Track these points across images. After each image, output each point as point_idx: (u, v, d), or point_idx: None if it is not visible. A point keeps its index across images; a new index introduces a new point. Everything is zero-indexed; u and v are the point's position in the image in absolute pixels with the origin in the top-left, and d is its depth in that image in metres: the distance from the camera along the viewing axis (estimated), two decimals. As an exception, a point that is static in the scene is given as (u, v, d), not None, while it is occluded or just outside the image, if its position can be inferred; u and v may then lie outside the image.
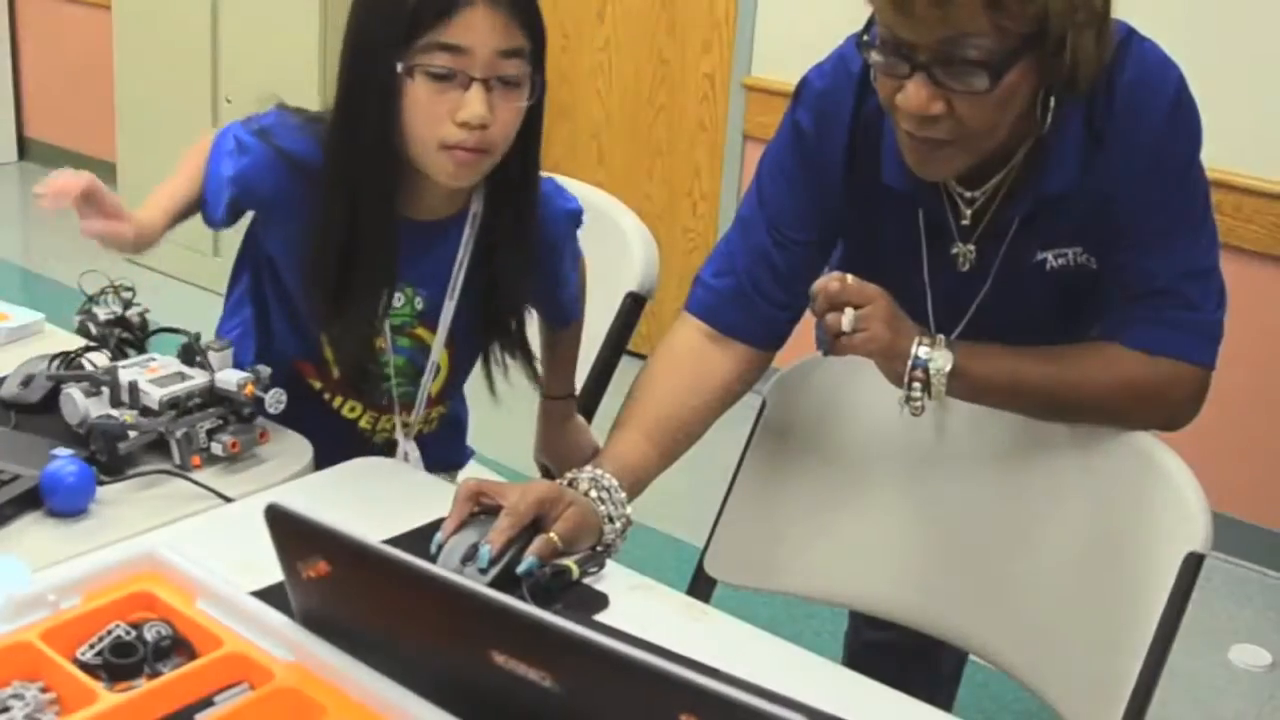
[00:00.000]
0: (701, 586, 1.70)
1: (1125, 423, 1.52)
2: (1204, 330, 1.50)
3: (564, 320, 1.85)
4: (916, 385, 1.48)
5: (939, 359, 1.47)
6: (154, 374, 1.64)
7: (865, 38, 1.40)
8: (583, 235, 1.81)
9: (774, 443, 1.72)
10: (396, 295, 1.64)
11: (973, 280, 1.58)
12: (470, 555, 1.37)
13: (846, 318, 1.46)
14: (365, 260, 1.56)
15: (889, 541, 1.69)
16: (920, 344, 1.48)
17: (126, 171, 4.82)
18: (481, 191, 1.62)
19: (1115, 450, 1.53)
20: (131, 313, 1.88)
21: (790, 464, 1.73)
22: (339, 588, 1.02)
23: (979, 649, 1.65)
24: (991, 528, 1.62)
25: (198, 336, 1.70)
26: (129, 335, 1.77)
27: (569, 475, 1.50)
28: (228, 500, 1.54)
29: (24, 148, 5.90)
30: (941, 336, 1.49)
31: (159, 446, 1.59)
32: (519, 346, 1.70)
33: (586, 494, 1.47)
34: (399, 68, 1.45)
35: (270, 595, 1.14)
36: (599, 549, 1.45)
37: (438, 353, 1.67)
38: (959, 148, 1.41)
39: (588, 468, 1.51)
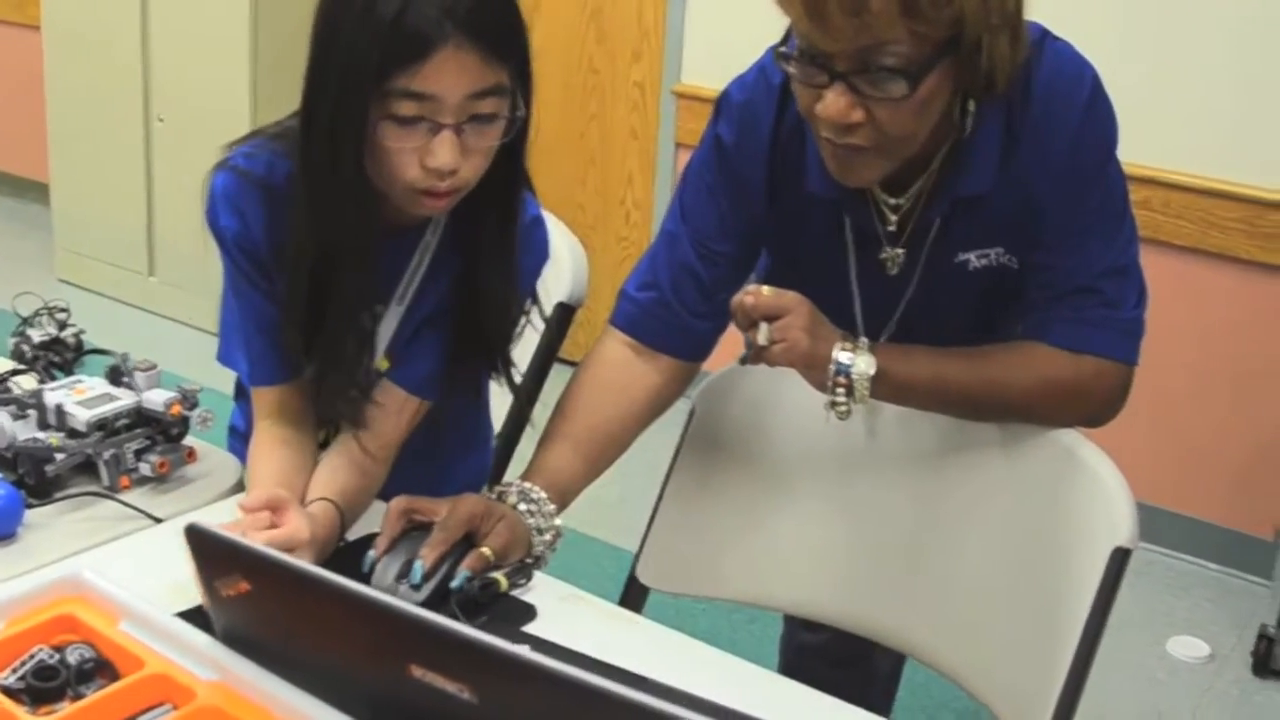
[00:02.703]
0: (634, 594, 1.70)
1: (1049, 421, 1.54)
2: (1125, 327, 1.52)
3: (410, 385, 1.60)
4: (840, 390, 1.49)
5: (861, 363, 1.48)
6: (82, 395, 1.63)
7: (783, 49, 1.41)
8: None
9: (704, 448, 1.73)
10: (365, 314, 1.56)
11: (900, 283, 1.59)
12: (404, 572, 1.37)
13: (762, 332, 1.47)
14: (346, 278, 1.47)
15: (820, 544, 1.70)
16: (842, 349, 1.49)
17: (59, 191, 4.79)
18: None
19: (1041, 448, 1.55)
20: (66, 334, 1.88)
21: (720, 469, 1.74)
22: (259, 606, 1.02)
23: (912, 649, 1.66)
24: (921, 528, 1.64)
25: (125, 357, 1.69)
26: (58, 357, 1.75)
27: (498, 488, 1.51)
28: (156, 521, 1.54)
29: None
30: (865, 340, 1.51)
31: (89, 468, 1.59)
32: (502, 371, 1.61)
33: (515, 506, 1.48)
34: (364, 113, 1.36)
35: (198, 615, 1.13)
36: (528, 561, 1.46)
37: (378, 360, 1.63)
38: (879, 154, 1.42)
39: (516, 480, 1.52)
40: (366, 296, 1.52)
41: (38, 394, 1.61)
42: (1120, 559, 1.44)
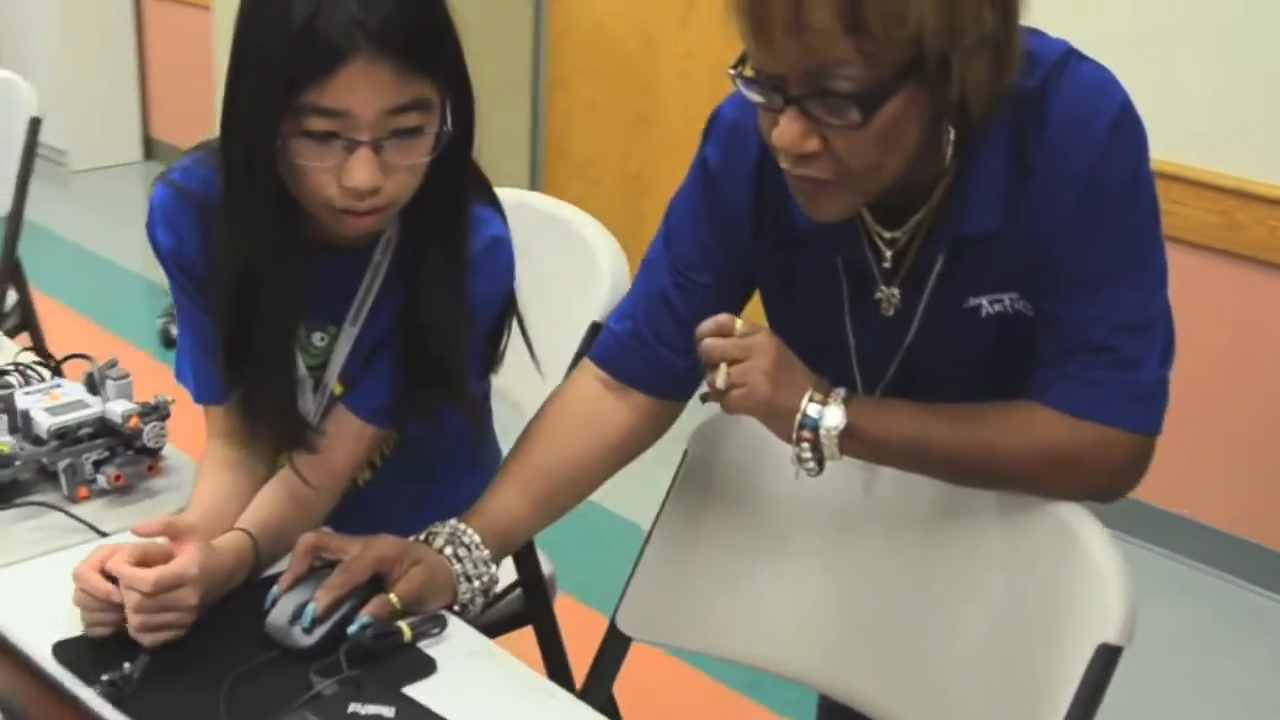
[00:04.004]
0: (614, 644, 1.59)
1: (1046, 492, 1.37)
2: (1140, 391, 1.34)
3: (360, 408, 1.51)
4: (805, 445, 1.35)
5: (830, 417, 1.34)
6: (55, 401, 1.60)
7: (739, 70, 1.28)
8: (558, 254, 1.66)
9: (695, 494, 1.61)
10: (317, 334, 1.52)
11: (898, 327, 1.44)
12: (298, 614, 1.29)
13: (720, 374, 1.35)
14: (266, 295, 1.40)
15: (807, 605, 1.56)
16: (811, 399, 1.35)
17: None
18: (398, 215, 1.43)
19: (1039, 522, 1.38)
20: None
21: (711, 517, 1.61)
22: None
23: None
24: (909, 594, 1.49)
25: (112, 363, 1.66)
26: (42, 360, 1.73)
27: (429, 529, 1.42)
28: (102, 535, 1.50)
29: (149, 148, 6.04)
30: (840, 391, 1.36)
31: (55, 475, 1.56)
32: (459, 400, 1.50)
33: (441, 551, 1.39)
34: (276, 127, 1.29)
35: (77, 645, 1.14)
36: (455, 608, 1.37)
37: (329, 386, 1.56)
38: (843, 187, 1.28)
39: (451, 521, 1.42)
40: (290, 317, 1.44)
41: (8, 397, 1.59)
42: (1106, 656, 1.27)
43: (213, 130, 1.38)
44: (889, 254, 1.40)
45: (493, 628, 1.83)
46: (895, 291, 1.42)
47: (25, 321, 2.79)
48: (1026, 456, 1.35)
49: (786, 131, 1.23)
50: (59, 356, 1.76)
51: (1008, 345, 1.43)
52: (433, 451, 1.61)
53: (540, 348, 1.64)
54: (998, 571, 1.42)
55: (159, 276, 1.54)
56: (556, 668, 1.93)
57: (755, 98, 1.27)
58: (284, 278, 1.38)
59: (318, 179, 1.31)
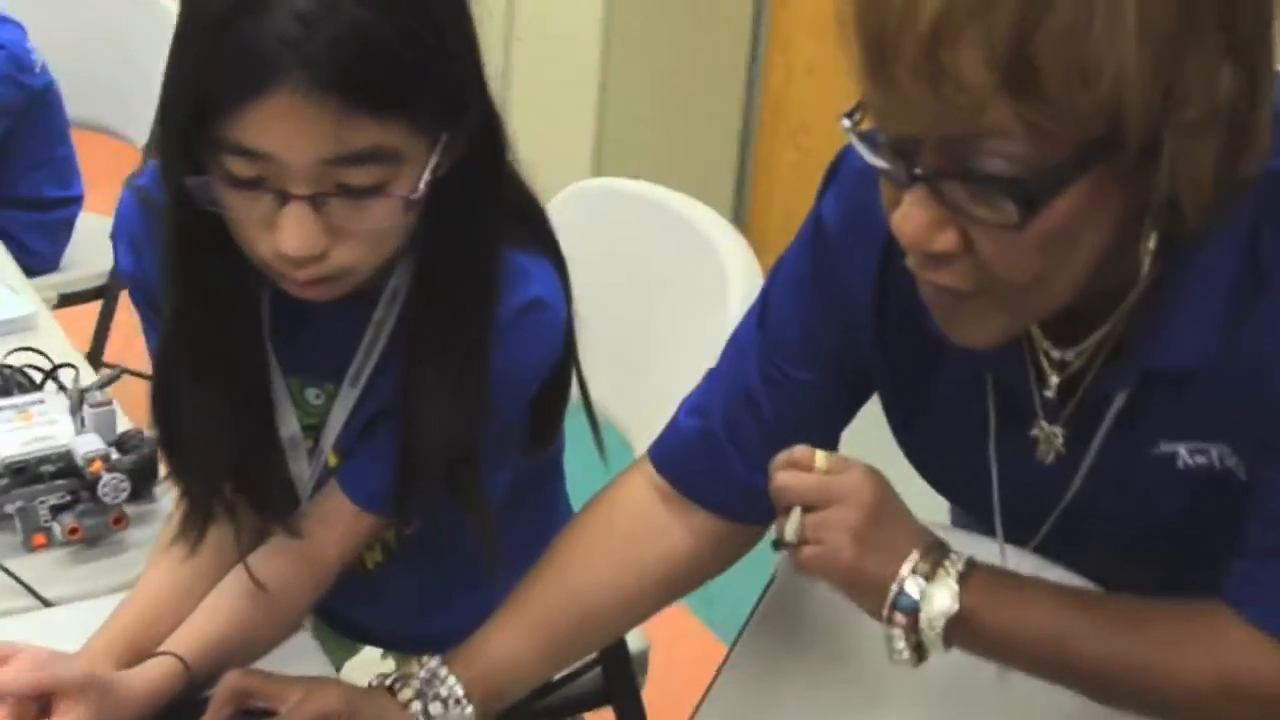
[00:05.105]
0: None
1: None
2: None
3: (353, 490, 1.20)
4: (898, 631, 0.98)
5: (937, 598, 0.97)
6: (25, 422, 1.34)
7: (850, 118, 0.90)
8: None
9: (779, 624, 1.25)
10: (312, 390, 1.21)
11: (1060, 475, 1.05)
12: None
13: (790, 524, 0.99)
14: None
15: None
16: (913, 571, 0.98)
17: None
18: (409, 262, 1.12)
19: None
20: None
21: (793, 653, 1.25)
22: None
23: None
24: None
25: (116, 376, 1.39)
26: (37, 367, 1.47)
27: (401, 671, 1.10)
28: (44, 604, 1.23)
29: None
30: (957, 559, 0.99)
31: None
32: (466, 498, 1.17)
33: (409, 704, 1.07)
34: (187, 152, 0.98)
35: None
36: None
37: (323, 455, 1.23)
38: (992, 304, 0.90)
39: (432, 662, 1.10)
40: (255, 371, 1.14)
41: (-30, 416, 1.33)
42: None
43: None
44: (1054, 379, 1.01)
45: (566, 705, 1.55)
46: (1058, 431, 1.03)
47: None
48: (1201, 684, 0.96)
49: (911, 219, 0.86)
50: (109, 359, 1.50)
51: (1204, 512, 1.03)
52: (464, 532, 1.28)
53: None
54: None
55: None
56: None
57: (876, 161, 0.89)
58: (227, 327, 1.09)
59: (248, 233, 1.00)
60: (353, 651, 1.53)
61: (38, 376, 1.45)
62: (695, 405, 1.17)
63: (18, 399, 1.38)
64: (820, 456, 1.01)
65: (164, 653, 1.09)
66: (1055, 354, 1.01)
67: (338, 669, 1.56)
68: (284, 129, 0.93)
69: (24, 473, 1.28)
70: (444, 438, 1.11)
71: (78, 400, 1.33)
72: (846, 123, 0.89)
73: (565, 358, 1.22)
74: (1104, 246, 0.87)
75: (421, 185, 0.99)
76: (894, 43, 0.80)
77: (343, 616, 1.43)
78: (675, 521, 1.17)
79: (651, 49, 3.72)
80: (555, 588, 1.15)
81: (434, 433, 1.11)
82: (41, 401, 1.38)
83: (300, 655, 1.18)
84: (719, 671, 1.29)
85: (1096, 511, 1.05)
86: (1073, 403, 1.02)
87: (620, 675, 1.65)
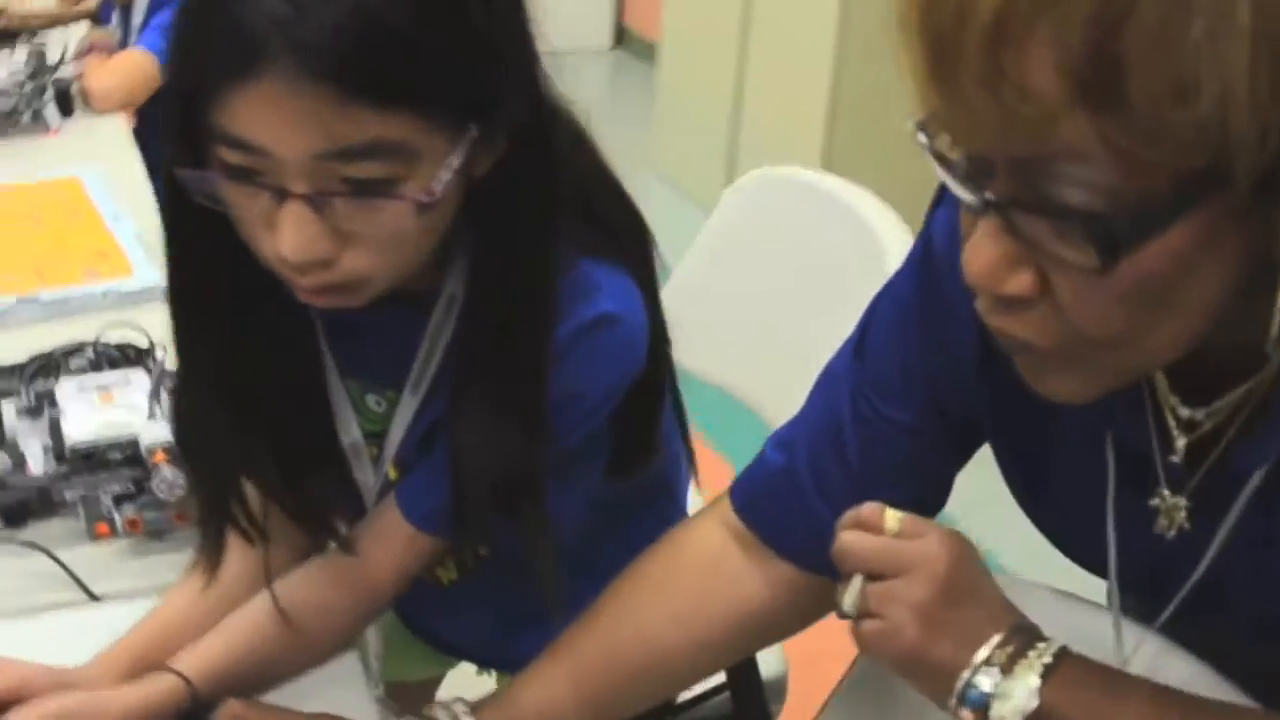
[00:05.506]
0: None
1: None
2: None
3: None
4: None
5: (1015, 694, 0.81)
6: (106, 403, 1.28)
7: (922, 126, 0.74)
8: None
9: (865, 695, 1.10)
10: (373, 397, 1.11)
11: (1182, 553, 0.87)
12: None
13: (850, 592, 0.84)
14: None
15: None
16: (989, 660, 0.82)
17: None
18: (462, 267, 1.01)
19: None
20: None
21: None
22: None
23: None
24: None
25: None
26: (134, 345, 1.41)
27: (425, 713, 0.99)
28: (92, 598, 1.17)
29: (620, 35, 5.80)
30: (1046, 648, 0.82)
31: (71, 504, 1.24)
32: (530, 527, 1.04)
33: (431, 752, 0.96)
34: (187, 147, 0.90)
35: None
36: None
37: (385, 465, 1.13)
38: (1073, 361, 0.73)
39: (457, 707, 0.99)
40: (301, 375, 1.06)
41: (47, 393, 1.28)
42: None
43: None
44: (1181, 443, 0.83)
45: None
46: (1182, 503, 0.86)
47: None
48: None
49: (980, 253, 0.70)
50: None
51: None
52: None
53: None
54: None
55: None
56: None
57: (948, 182, 0.73)
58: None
59: (250, 231, 0.90)
60: (448, 666, 1.45)
61: (132, 355, 1.39)
62: (782, 438, 1.02)
63: (105, 376, 1.32)
64: (891, 516, 0.86)
65: (167, 669, 1.01)
66: (1184, 412, 0.83)
67: (436, 683, 1.48)
68: (272, 118, 0.83)
69: (91, 459, 1.23)
70: (489, 462, 0.99)
71: (157, 384, 1.26)
72: (921, 137, 0.73)
73: (651, 377, 1.08)
74: (1218, 300, 0.70)
75: (438, 186, 0.88)
76: (954, 41, 0.65)
77: (429, 631, 1.34)
78: (751, 569, 1.03)
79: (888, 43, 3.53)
80: (604, 636, 1.02)
81: (479, 457, 0.99)
82: (129, 383, 1.32)
83: (335, 681, 1.08)
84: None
85: (1222, 596, 0.88)
86: (1200, 473, 0.84)
87: (749, 701, 1.53)
